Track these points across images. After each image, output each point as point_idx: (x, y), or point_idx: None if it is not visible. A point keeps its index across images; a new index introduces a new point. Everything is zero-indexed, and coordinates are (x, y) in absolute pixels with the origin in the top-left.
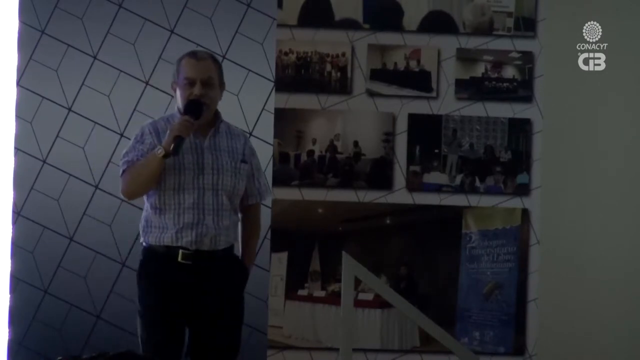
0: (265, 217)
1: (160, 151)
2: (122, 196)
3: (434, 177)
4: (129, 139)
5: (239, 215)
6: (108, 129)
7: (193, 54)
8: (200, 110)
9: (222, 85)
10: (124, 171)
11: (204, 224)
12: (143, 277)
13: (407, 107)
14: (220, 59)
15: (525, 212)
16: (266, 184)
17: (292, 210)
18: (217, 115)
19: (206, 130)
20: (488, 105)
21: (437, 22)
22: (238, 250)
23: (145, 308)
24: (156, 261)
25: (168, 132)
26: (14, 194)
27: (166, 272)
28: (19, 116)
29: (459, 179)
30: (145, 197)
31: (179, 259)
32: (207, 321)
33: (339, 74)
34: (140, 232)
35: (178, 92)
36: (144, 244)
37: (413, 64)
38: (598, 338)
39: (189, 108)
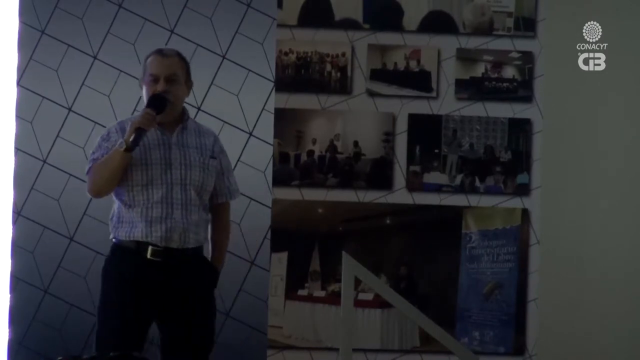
0: (265, 217)
1: (121, 145)
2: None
3: (434, 177)
4: None
5: (209, 215)
6: None
7: (159, 51)
8: (163, 105)
9: (188, 83)
10: (89, 169)
11: (172, 218)
12: (111, 272)
13: (407, 107)
14: (220, 59)
15: (525, 212)
16: (236, 183)
17: (292, 210)
18: (184, 112)
19: (173, 127)
20: (488, 105)
21: (437, 22)
22: (208, 252)
23: (111, 304)
24: (125, 257)
25: (129, 125)
26: (14, 194)
27: (135, 269)
28: (19, 116)
29: (459, 179)
30: (114, 195)
31: (148, 255)
32: (177, 320)
33: (339, 74)
34: (110, 229)
35: (144, 89)
36: (113, 240)
37: (413, 64)
38: (598, 338)
39: (152, 102)
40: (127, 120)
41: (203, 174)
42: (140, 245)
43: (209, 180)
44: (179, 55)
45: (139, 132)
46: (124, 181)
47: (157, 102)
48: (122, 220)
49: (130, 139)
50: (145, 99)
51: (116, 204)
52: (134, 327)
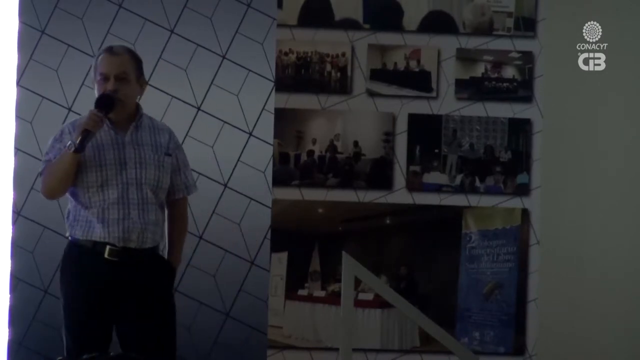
0: (265, 217)
1: (70, 146)
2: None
3: (434, 177)
4: None
5: (166, 211)
6: None
7: (109, 49)
8: (111, 105)
9: (140, 81)
10: (42, 170)
11: (129, 218)
12: (67, 271)
13: (407, 107)
14: (220, 59)
15: (525, 212)
16: (193, 178)
17: (292, 210)
18: (138, 109)
19: (127, 126)
20: (488, 105)
21: (437, 22)
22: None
23: (70, 301)
24: (82, 256)
25: (77, 126)
26: (14, 194)
27: (92, 268)
28: (19, 116)
29: (459, 179)
30: (69, 194)
31: (106, 255)
32: (135, 322)
33: (339, 74)
34: (67, 226)
35: (95, 88)
36: (69, 238)
37: (413, 64)
38: (598, 338)
39: (99, 102)
40: (77, 119)
41: (158, 172)
42: (98, 245)
43: (164, 178)
44: (129, 52)
45: (86, 133)
46: (79, 182)
47: (104, 102)
48: (78, 219)
49: (77, 141)
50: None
51: (71, 203)
52: (96, 325)
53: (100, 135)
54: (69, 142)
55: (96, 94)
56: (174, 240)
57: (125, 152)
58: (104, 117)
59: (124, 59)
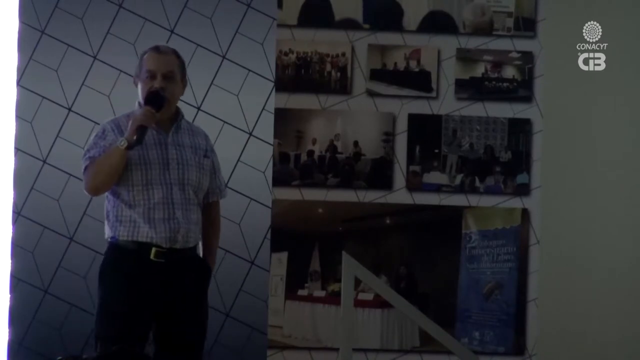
0: (265, 217)
1: (123, 143)
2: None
3: (434, 177)
4: None
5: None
6: None
7: (156, 48)
8: (161, 101)
9: (183, 82)
10: (86, 167)
11: (174, 218)
12: (111, 274)
13: (407, 107)
14: (220, 59)
15: (525, 212)
16: (224, 182)
17: (292, 210)
18: (178, 111)
19: (168, 126)
20: (488, 105)
21: (437, 22)
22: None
23: (113, 307)
24: (126, 259)
25: (130, 123)
26: (14, 194)
27: (137, 271)
28: (19, 116)
29: (459, 179)
30: (110, 193)
31: (152, 256)
32: (174, 319)
33: (339, 74)
34: (107, 228)
35: (140, 86)
36: (109, 239)
37: (413, 64)
38: (598, 338)
39: (150, 99)
40: (120, 118)
41: (199, 174)
42: (143, 246)
43: (204, 179)
44: (175, 52)
45: (142, 129)
46: (123, 180)
47: (155, 99)
48: (121, 219)
49: (134, 137)
50: (140, 95)
51: (111, 202)
52: (136, 330)
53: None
54: (121, 139)
55: (140, 91)
56: (209, 242)
57: (168, 152)
58: (156, 113)
59: (171, 58)
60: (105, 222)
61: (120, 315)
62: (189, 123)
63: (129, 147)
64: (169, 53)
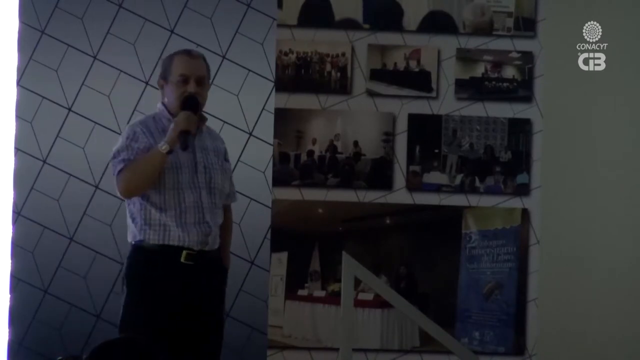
0: (265, 217)
1: (164, 147)
2: (119, 195)
3: (434, 177)
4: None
5: None
6: (108, 129)
7: (187, 52)
8: (198, 106)
9: (209, 87)
10: (120, 170)
11: (204, 222)
12: (140, 278)
13: (407, 107)
14: (220, 59)
15: (525, 212)
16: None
17: (292, 210)
18: (201, 116)
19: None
20: (488, 105)
21: (437, 22)
22: None
23: (142, 310)
24: (156, 262)
25: (171, 127)
26: (14, 194)
27: (168, 274)
28: (19, 116)
29: (459, 179)
30: (140, 197)
31: (182, 259)
32: (198, 320)
33: (339, 74)
34: (135, 231)
35: (168, 89)
36: (135, 242)
37: (413, 64)
38: (598, 338)
39: (188, 103)
40: (147, 119)
41: (222, 177)
42: (173, 250)
43: (226, 183)
44: (204, 58)
45: (185, 135)
46: None
47: (193, 104)
48: (150, 222)
49: (177, 143)
50: (169, 98)
51: (137, 206)
52: (169, 329)
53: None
54: (162, 143)
55: (169, 94)
56: (225, 243)
57: (196, 156)
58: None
59: (202, 64)
60: (131, 225)
61: (152, 319)
62: (207, 127)
63: (171, 151)
64: (199, 58)
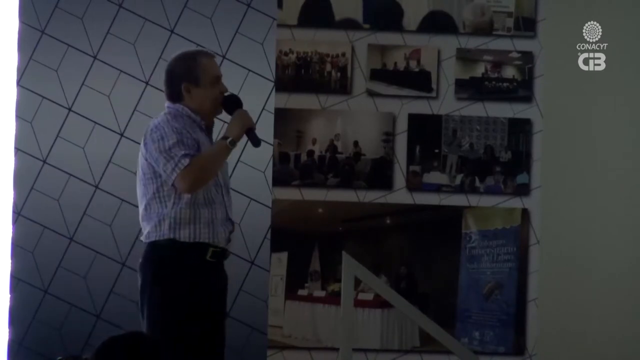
0: (265, 217)
1: (230, 140)
2: (182, 190)
3: (434, 177)
4: (129, 139)
5: None
6: (108, 129)
7: (209, 54)
8: (240, 102)
9: None
10: (187, 165)
11: (228, 219)
12: (168, 275)
13: (407, 107)
14: (220, 59)
15: (525, 212)
16: None
17: (292, 210)
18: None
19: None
20: (488, 105)
21: (437, 22)
22: None
23: (177, 308)
24: (186, 259)
25: (234, 123)
26: (14, 194)
27: (198, 272)
28: (19, 116)
29: (459, 179)
30: (166, 194)
31: (208, 257)
32: (211, 318)
33: (339, 74)
34: (164, 229)
35: (199, 91)
36: (157, 239)
37: (413, 64)
38: (598, 338)
39: (233, 102)
40: (170, 121)
41: (228, 175)
42: (201, 247)
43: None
44: None
45: (252, 131)
46: None
47: (237, 101)
48: (180, 221)
49: (250, 140)
50: (196, 101)
51: (164, 204)
52: (198, 325)
53: (199, 136)
54: (229, 138)
55: (206, 96)
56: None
57: None
58: None
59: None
60: (154, 223)
61: (186, 316)
62: None
63: (235, 145)
64: (215, 57)
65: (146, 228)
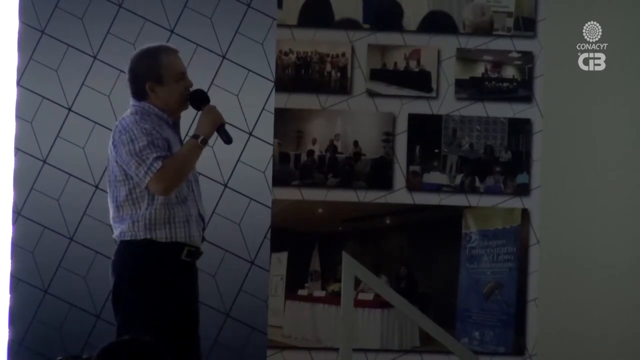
0: (265, 217)
1: (202, 139)
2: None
3: (434, 177)
4: None
5: None
6: (108, 129)
7: (172, 50)
8: (207, 97)
9: None
10: (160, 168)
11: (199, 215)
12: (150, 276)
13: (407, 107)
14: (220, 59)
15: (525, 212)
16: None
17: (292, 210)
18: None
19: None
20: (488, 105)
21: (437, 22)
22: None
23: (157, 308)
24: (163, 259)
25: (202, 120)
26: (14, 194)
27: (172, 270)
28: (19, 116)
29: (459, 179)
30: (139, 194)
31: (183, 256)
32: (193, 318)
33: (339, 74)
34: (139, 229)
35: (164, 89)
36: (130, 238)
37: (413, 64)
38: (598, 338)
39: (199, 97)
40: (138, 121)
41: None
42: (177, 247)
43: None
44: None
45: (223, 128)
46: None
47: (204, 96)
48: (155, 221)
49: (221, 137)
50: (161, 98)
51: (140, 204)
52: (179, 326)
53: (167, 134)
54: (200, 137)
55: (172, 93)
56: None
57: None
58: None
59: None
60: (127, 223)
61: (164, 315)
62: None
63: (206, 143)
64: (178, 51)
65: (119, 228)
